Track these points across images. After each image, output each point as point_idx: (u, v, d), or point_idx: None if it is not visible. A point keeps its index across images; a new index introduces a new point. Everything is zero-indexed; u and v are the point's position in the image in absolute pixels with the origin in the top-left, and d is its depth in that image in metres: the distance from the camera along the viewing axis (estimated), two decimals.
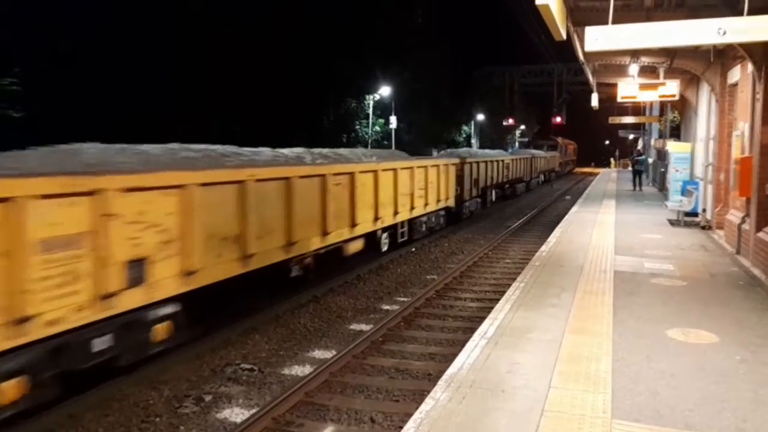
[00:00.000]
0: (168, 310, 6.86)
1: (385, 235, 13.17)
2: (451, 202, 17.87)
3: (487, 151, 28.89)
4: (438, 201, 16.46)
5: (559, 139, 57.13)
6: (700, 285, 8.61)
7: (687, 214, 15.23)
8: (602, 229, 14.17)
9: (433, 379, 6.23)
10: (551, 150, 51.09)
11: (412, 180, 14.31)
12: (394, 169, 13.33)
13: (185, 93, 29.33)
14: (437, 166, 16.43)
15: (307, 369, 7.05)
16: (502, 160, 25.86)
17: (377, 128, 40.75)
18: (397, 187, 13.35)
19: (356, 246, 11.68)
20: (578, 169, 67.87)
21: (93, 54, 27.32)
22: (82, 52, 27.04)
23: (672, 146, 19.79)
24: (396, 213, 13.42)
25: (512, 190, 28.90)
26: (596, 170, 64.84)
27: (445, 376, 5.14)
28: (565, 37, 8.53)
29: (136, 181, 6.31)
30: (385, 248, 13.26)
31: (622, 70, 16.23)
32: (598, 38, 7.63)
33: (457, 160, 18.63)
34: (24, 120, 23.52)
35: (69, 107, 26.08)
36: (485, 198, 22.81)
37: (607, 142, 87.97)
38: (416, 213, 14.80)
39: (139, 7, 28.90)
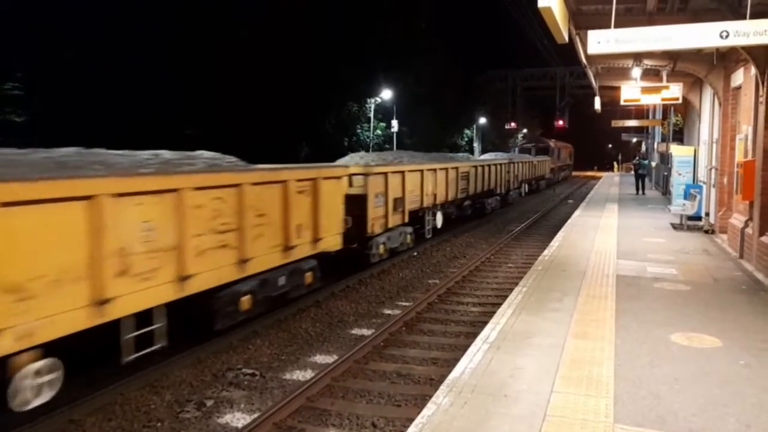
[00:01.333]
0: None
1: (42, 364, 5.40)
2: (333, 242, 10.66)
3: (433, 154, 22.23)
4: (288, 247, 9.09)
5: (551, 142, 49.17)
6: (703, 289, 8.57)
7: (690, 218, 15.20)
8: (605, 233, 14.15)
9: (435, 383, 6.21)
10: (541, 154, 44.07)
11: (199, 215, 7.17)
12: (116, 195, 5.96)
13: (186, 97, 29.41)
14: (283, 182, 9.01)
15: (308, 374, 7.03)
16: (456, 168, 18.50)
17: (378, 132, 40.84)
18: (115, 239, 5.93)
19: None
20: (580, 174, 66.84)
21: (93, 55, 27.44)
22: (83, 53, 27.15)
23: (675, 150, 19.73)
24: (102, 302, 5.77)
25: (479, 207, 21.99)
26: (599, 174, 64.72)
27: (447, 381, 5.13)
28: (567, 40, 8.54)
29: None
30: (38, 401, 5.36)
31: (624, 74, 16.24)
32: (600, 41, 7.66)
33: (349, 170, 11.91)
34: (26, 124, 23.63)
35: (70, 110, 26.17)
36: (423, 225, 16.03)
37: (609, 145, 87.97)
38: (210, 282, 7.40)
39: (140, 8, 29.04)
